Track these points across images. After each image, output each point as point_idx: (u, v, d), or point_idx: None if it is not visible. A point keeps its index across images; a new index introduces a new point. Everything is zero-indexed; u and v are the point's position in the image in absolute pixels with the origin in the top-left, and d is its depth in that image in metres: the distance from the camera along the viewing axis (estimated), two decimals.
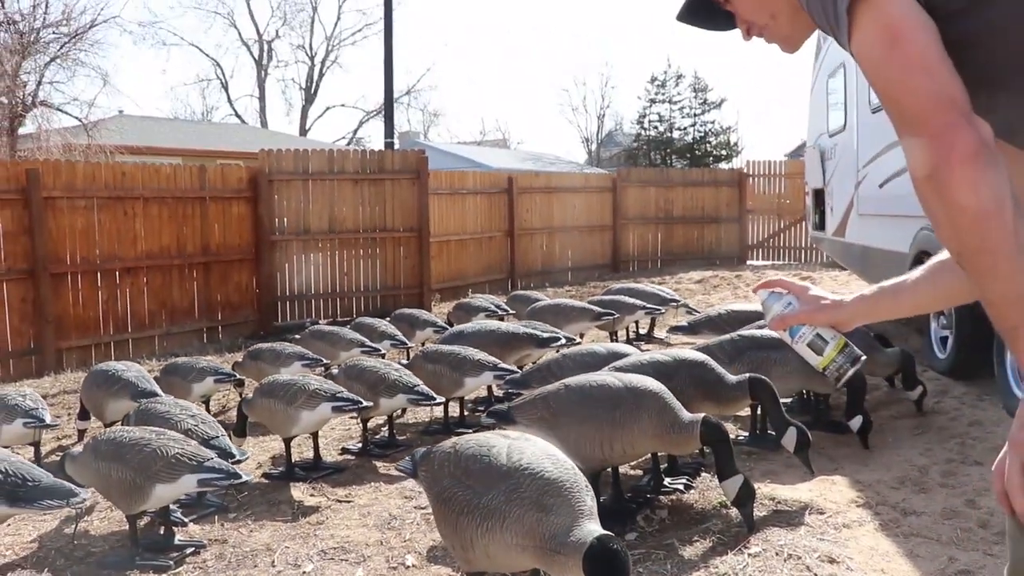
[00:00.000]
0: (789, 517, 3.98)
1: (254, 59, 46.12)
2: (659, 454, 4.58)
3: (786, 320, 1.83)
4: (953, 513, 3.96)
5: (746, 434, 5.42)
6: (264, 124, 44.13)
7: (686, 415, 3.87)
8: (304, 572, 3.80)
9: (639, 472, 4.88)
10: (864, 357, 1.85)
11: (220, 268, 11.45)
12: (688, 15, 1.73)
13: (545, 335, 6.63)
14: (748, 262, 18.79)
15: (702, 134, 38.01)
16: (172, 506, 4.65)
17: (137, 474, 3.94)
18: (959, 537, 3.71)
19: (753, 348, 5.16)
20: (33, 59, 22.32)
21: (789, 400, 5.90)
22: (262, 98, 46.41)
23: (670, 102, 37.99)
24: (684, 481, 4.53)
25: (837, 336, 1.81)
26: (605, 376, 4.09)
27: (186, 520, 4.57)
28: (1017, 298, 1.32)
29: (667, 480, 4.53)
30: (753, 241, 19.25)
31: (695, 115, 37.98)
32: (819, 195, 11.29)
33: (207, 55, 64.32)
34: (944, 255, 1.66)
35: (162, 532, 4.29)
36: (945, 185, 1.33)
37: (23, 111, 22.54)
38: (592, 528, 2.52)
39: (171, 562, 4.01)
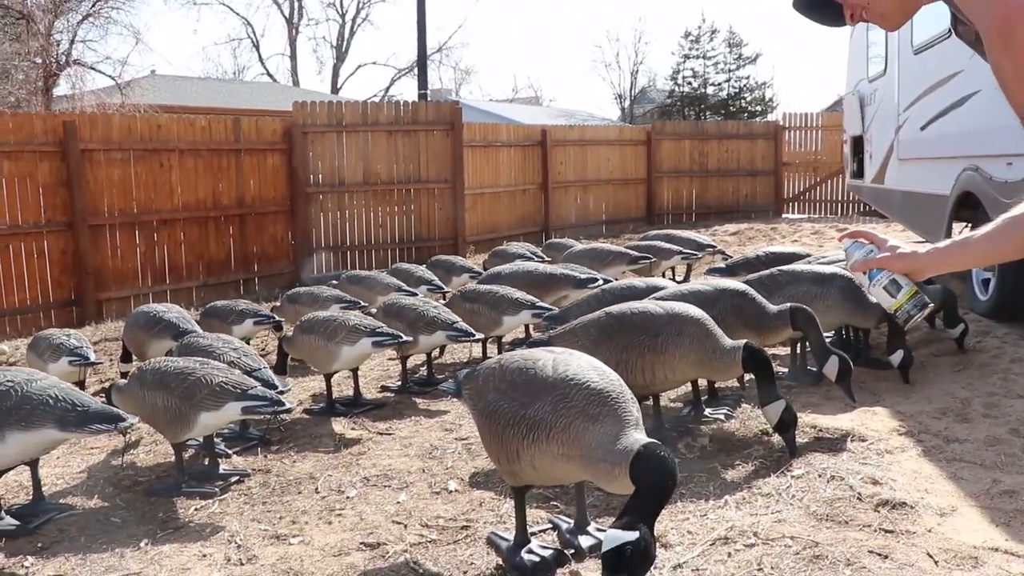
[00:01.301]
0: (831, 444, 3.96)
1: (285, 17, 45.99)
2: (699, 383, 4.58)
3: (868, 263, 1.97)
4: (996, 440, 3.92)
5: (785, 370, 5.39)
6: (296, 83, 44.09)
7: (728, 341, 3.86)
8: (348, 497, 3.85)
9: (679, 404, 4.88)
10: (932, 305, 1.99)
11: (256, 220, 11.51)
12: (803, 7, 1.91)
13: (583, 276, 6.61)
14: (784, 215, 18.57)
15: (737, 90, 37.54)
16: (215, 439, 4.74)
17: (182, 402, 4.00)
18: (1003, 462, 3.68)
19: (793, 282, 5.11)
20: (65, 17, 22.41)
21: (829, 336, 5.85)
22: (293, 57, 46.35)
23: (704, 57, 37.52)
24: (725, 411, 4.53)
25: (910, 284, 1.93)
26: (647, 304, 4.08)
27: (229, 452, 4.64)
28: None
29: (708, 410, 4.53)
30: (789, 194, 19.00)
31: (730, 70, 37.50)
32: (857, 143, 11.11)
33: (237, 14, 63.92)
34: (1014, 211, 1.78)
35: (207, 463, 4.37)
36: (1013, 37, 1.43)
37: (57, 70, 22.69)
38: (639, 437, 2.52)
39: (216, 489, 4.08)
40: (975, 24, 1.61)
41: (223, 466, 4.38)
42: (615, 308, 4.12)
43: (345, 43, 46.24)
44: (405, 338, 5.14)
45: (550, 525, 3.25)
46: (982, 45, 1.67)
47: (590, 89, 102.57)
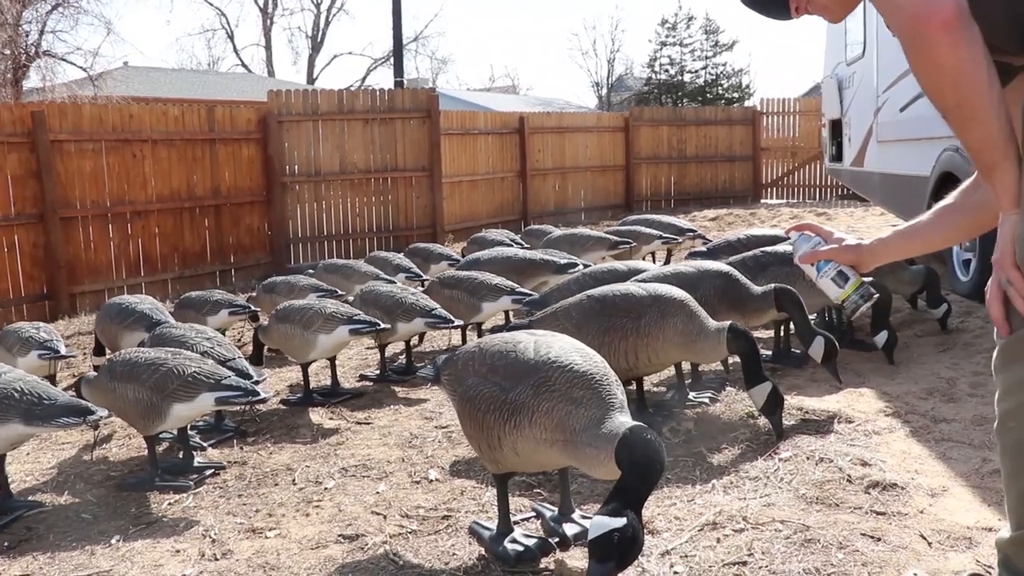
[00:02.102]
0: (818, 425, 3.90)
1: (259, 7, 45.47)
2: (683, 367, 4.50)
3: (816, 255, 2.10)
4: (984, 419, 3.86)
5: (770, 352, 5.33)
6: (271, 73, 43.67)
7: (712, 323, 3.78)
8: (326, 489, 3.75)
9: (663, 388, 4.81)
10: (878, 295, 2.13)
11: (231, 211, 11.36)
12: (750, 1, 2.00)
13: (563, 261, 6.53)
14: (762, 200, 18.57)
15: (713, 77, 37.58)
16: (190, 432, 4.62)
17: (154, 394, 3.88)
18: (991, 441, 3.59)
19: (777, 263, 5.04)
20: (34, 7, 22.04)
21: (812, 317, 5.80)
22: (268, 47, 45.88)
23: (681, 45, 37.51)
24: (709, 395, 4.46)
25: (856, 275, 2.07)
26: (629, 286, 4.00)
27: (204, 444, 4.53)
28: (994, 141, 1.63)
29: (692, 394, 4.46)
30: (767, 179, 19.00)
31: (706, 58, 37.52)
32: (836, 126, 11.07)
33: (211, 4, 62.93)
34: (949, 199, 1.98)
35: (181, 456, 4.26)
36: (928, 47, 1.58)
37: (27, 61, 22.35)
38: (623, 420, 2.44)
39: (191, 483, 3.97)
40: (889, 27, 1.72)
41: (198, 459, 4.26)
42: (597, 291, 4.04)
43: (321, 33, 45.87)
44: (382, 325, 5.04)
45: (533, 513, 3.16)
46: None
47: (567, 78, 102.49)
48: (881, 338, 4.94)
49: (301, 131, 12.05)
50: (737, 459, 3.57)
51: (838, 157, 11.09)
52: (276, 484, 3.90)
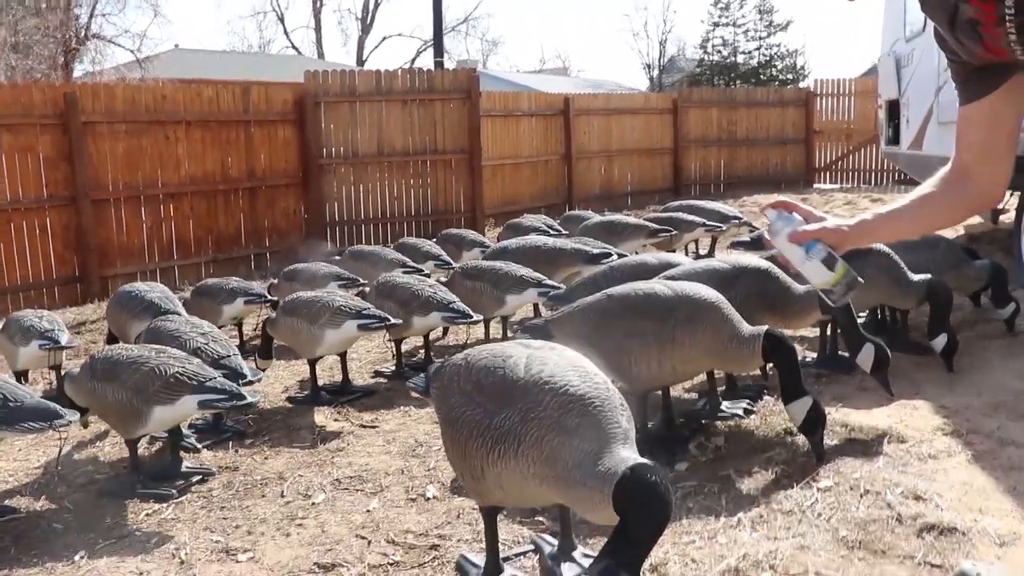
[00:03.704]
0: (865, 446, 3.44)
1: None
2: (716, 373, 4.06)
3: (806, 235, 1.88)
4: None
5: (814, 355, 4.87)
6: (321, 55, 43.61)
7: (747, 328, 3.35)
8: (313, 504, 3.42)
9: (693, 395, 4.38)
10: (862, 282, 1.93)
11: (267, 193, 11.14)
12: None
13: (596, 251, 6.10)
14: (815, 185, 17.85)
15: (767, 58, 36.78)
16: (186, 431, 4.34)
17: (134, 395, 3.58)
18: None
19: None
20: None
21: (861, 318, 5.31)
22: (318, 29, 45.80)
23: (734, 25, 36.76)
24: (744, 405, 4.01)
25: (841, 259, 1.89)
26: (654, 284, 3.58)
27: (199, 446, 4.23)
28: None
29: (724, 404, 4.02)
30: (820, 163, 18.27)
31: (760, 38, 36.74)
32: (893, 107, 10.48)
33: None
34: (930, 188, 1.87)
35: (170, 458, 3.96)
36: None
37: (77, 44, 22.47)
38: (625, 455, 2.05)
39: (174, 491, 3.67)
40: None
41: (187, 463, 3.96)
42: (618, 289, 3.63)
43: (370, 15, 45.64)
44: (393, 321, 4.69)
45: (532, 546, 2.79)
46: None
47: (619, 59, 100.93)
48: (940, 342, 4.44)
49: (339, 112, 11.77)
50: (770, 486, 3.14)
51: (895, 140, 10.49)
52: (263, 496, 3.58)
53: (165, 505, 3.56)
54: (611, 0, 77.63)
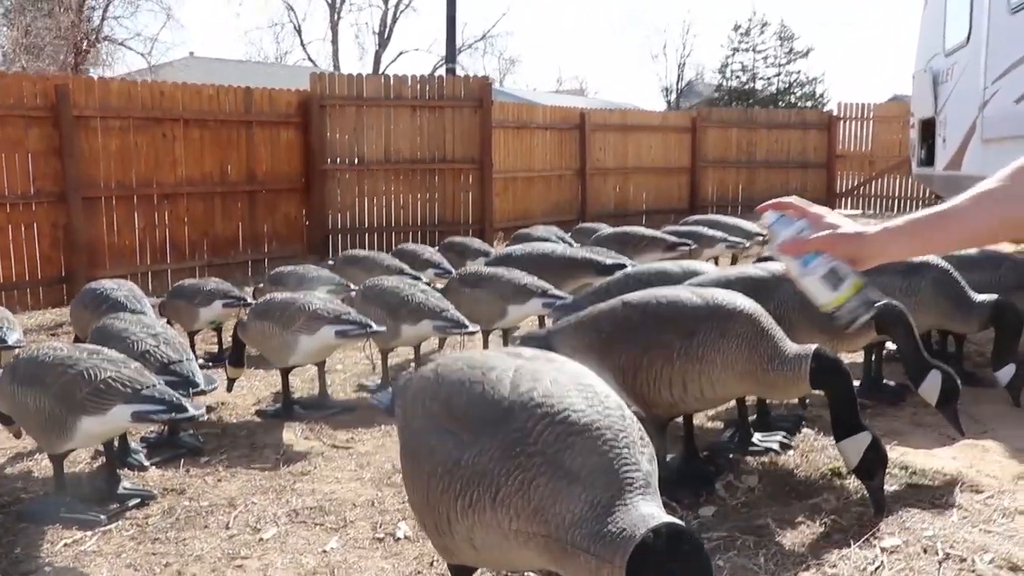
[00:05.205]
0: (932, 495, 2.84)
1: (327, 2, 45.22)
2: (748, 399, 3.47)
3: (802, 245, 1.60)
4: None
5: (858, 382, 4.26)
6: (337, 68, 43.34)
7: (791, 346, 2.77)
8: (261, 540, 2.84)
9: (718, 424, 3.78)
10: (880, 304, 1.62)
11: (267, 197, 10.67)
12: None
13: (609, 261, 5.52)
14: (837, 210, 17.25)
15: (786, 84, 36.51)
16: (136, 445, 3.78)
17: (58, 403, 3.02)
18: None
19: (873, 271, 3.98)
20: None
21: None
22: (335, 42, 45.50)
23: (754, 51, 36.52)
24: (780, 438, 3.41)
25: (855, 274, 1.60)
26: (679, 291, 3.00)
27: (146, 463, 3.66)
28: None
29: (756, 436, 3.42)
30: (842, 189, 17.70)
31: (780, 65, 36.47)
32: (928, 126, 9.91)
33: None
34: (989, 184, 1.47)
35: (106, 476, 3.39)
36: None
37: (88, 47, 22.19)
38: (646, 511, 1.46)
39: (103, 517, 3.10)
40: None
41: (127, 483, 3.39)
42: (635, 296, 3.05)
43: (387, 29, 45.32)
44: (376, 328, 4.12)
45: None
46: None
47: (636, 82, 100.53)
48: (1007, 373, 3.82)
49: (344, 116, 11.31)
50: (819, 542, 2.53)
51: (928, 161, 9.91)
52: (206, 527, 3.00)
53: (90, 533, 2.99)
54: (630, 22, 77.49)
